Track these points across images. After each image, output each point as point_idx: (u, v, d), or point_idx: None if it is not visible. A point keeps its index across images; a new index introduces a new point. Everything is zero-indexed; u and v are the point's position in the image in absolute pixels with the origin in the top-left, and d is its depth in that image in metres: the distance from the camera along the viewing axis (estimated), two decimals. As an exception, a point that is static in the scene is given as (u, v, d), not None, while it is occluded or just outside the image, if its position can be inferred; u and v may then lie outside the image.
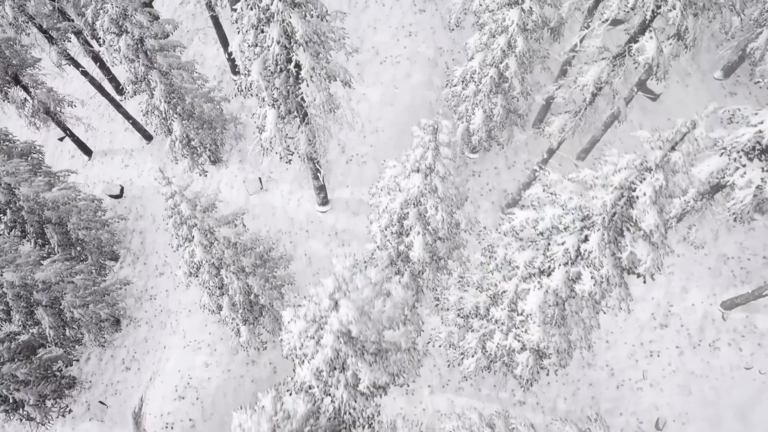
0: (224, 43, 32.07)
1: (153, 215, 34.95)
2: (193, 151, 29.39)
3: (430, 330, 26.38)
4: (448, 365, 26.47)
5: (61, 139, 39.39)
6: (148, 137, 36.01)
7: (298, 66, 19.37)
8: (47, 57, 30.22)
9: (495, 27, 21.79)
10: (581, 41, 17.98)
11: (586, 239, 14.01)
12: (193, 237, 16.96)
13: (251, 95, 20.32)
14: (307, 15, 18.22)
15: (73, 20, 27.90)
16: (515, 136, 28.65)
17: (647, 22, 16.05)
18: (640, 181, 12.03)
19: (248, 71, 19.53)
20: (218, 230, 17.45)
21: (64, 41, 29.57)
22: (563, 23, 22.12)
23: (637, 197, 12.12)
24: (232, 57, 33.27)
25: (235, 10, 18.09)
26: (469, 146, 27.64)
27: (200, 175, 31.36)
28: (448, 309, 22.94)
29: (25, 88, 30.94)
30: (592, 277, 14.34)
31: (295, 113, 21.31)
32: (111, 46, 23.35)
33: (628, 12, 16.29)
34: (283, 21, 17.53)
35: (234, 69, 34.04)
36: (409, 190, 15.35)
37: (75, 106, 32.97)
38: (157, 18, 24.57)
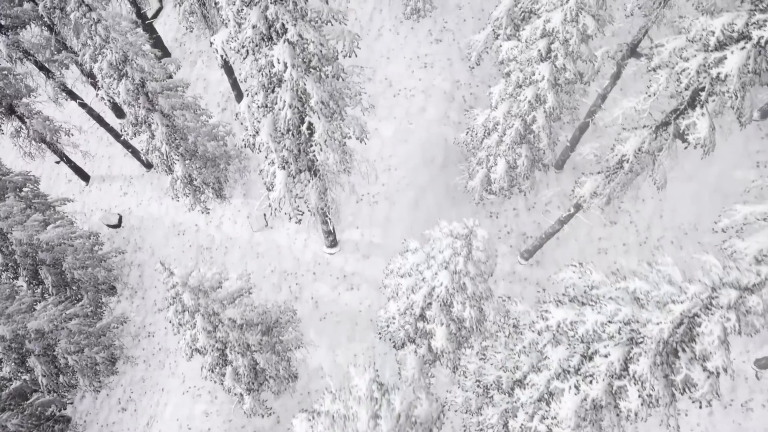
0: (229, 71, 30.49)
1: (152, 247, 33.44)
2: (196, 189, 27.84)
3: (445, 392, 24.92)
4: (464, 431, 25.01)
5: (58, 162, 37.79)
6: (148, 165, 34.49)
7: (310, 127, 17.81)
8: (44, 88, 28.52)
9: (522, 77, 20.18)
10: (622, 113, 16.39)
11: (634, 358, 12.49)
12: (196, 323, 15.51)
13: (259, 152, 18.77)
14: (322, 77, 16.64)
15: (74, 51, 26.20)
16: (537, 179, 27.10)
17: (702, 103, 14.45)
18: (707, 315, 10.50)
19: (257, 131, 17.97)
20: (223, 312, 15.98)
21: (63, 69, 27.96)
22: (597, 73, 20.50)
23: (702, 332, 10.59)
24: (237, 85, 31.75)
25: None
26: (487, 190, 26.08)
27: (202, 212, 29.83)
28: (466, 376, 21.48)
29: (20, 118, 29.41)
30: (639, 396, 12.85)
31: (306, 172, 19.76)
32: (110, 89, 21.77)
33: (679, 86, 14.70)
34: (297, 85, 15.95)
35: (239, 97, 32.43)
36: (434, 288, 13.82)
37: (72, 134, 31.44)
38: (159, 58, 22.99)
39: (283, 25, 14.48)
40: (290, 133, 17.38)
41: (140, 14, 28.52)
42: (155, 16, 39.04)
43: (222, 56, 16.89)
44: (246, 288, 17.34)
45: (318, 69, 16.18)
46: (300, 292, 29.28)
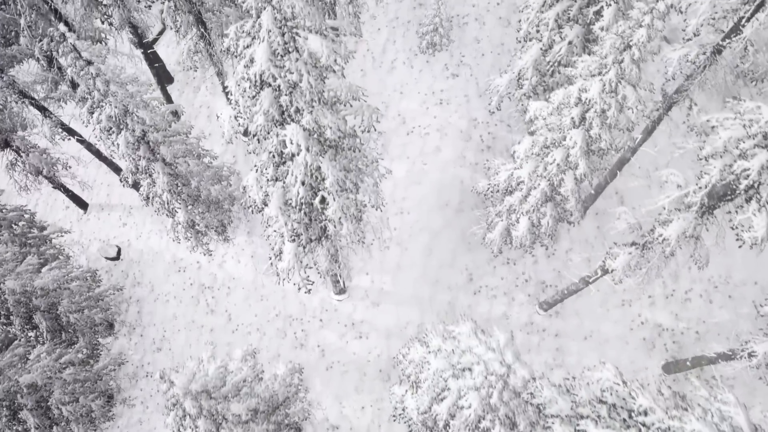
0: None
1: (152, 283, 32.11)
2: (198, 232, 26.47)
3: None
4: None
5: (55, 187, 36.39)
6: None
7: (324, 201, 16.39)
8: (40, 127, 27.09)
9: (551, 139, 18.74)
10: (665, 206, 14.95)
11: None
12: (198, 427, 14.16)
13: (268, 226, 17.40)
14: (338, 153, 15.23)
15: (74, 83, 24.67)
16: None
17: (760, 200, 13.01)
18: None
19: (265, 203, 16.57)
20: (227, 410, 14.65)
21: (61, 103, 26.52)
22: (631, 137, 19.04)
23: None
24: (243, 117, 30.25)
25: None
26: (507, 243, 24.66)
27: (204, 254, 28.46)
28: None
29: (17, 151, 28.04)
30: None
31: (317, 241, 18.36)
32: (108, 140, 20.38)
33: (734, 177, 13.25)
34: (310, 165, 14.53)
35: (246, 131, 30.94)
36: (460, 407, 12.45)
37: (70, 167, 30.06)
38: (161, 102, 21.57)
39: (298, 109, 13.05)
40: (302, 207, 15.99)
41: (142, 43, 27.00)
42: (158, 36, 37.53)
43: (231, 131, 15.47)
44: (251, 376, 15.98)
45: (334, 147, 14.76)
46: (305, 339, 27.94)
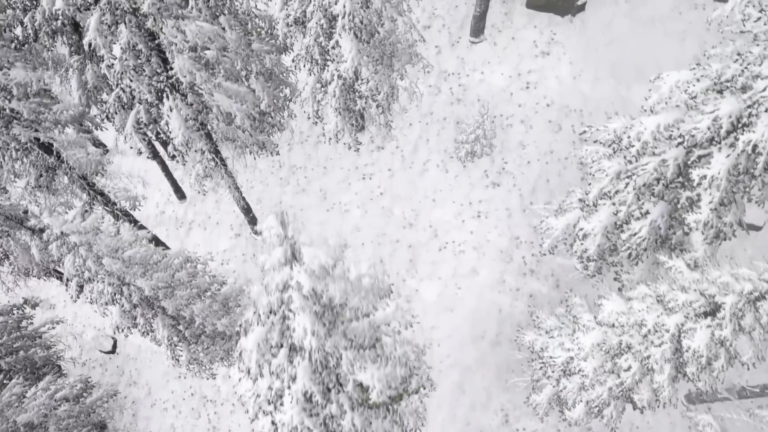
0: (246, 210, 26.05)
1: (149, 385, 29.29)
2: (201, 364, 23.61)
3: None
4: None
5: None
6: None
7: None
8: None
9: (626, 342, 15.70)
10: None
11: None
12: None
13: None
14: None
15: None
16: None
17: None
18: None
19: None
20: None
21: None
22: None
23: None
24: (251, 214, 27.23)
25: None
26: (556, 407, 21.67)
27: (208, 379, 25.59)
28: None
29: (5, 254, 25.11)
30: None
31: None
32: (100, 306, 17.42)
33: None
34: None
35: (255, 228, 27.97)
36: None
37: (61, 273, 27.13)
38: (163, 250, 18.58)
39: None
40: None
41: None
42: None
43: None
44: None
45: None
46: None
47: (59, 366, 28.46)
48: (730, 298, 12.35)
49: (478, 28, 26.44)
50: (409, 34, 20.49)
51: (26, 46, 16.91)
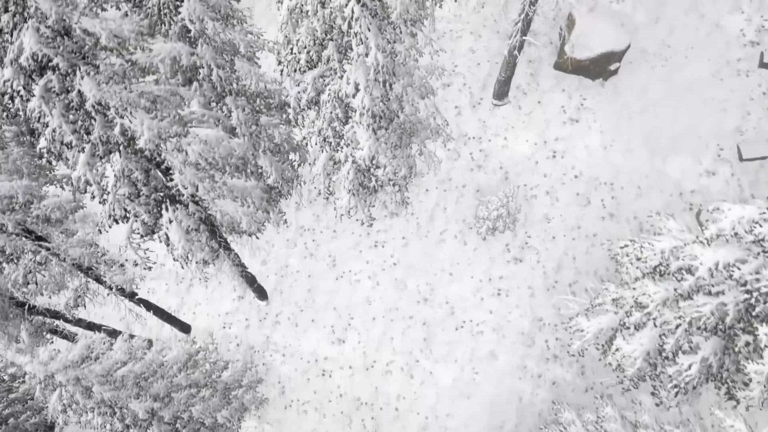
0: (250, 279, 24.45)
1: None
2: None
3: None
4: None
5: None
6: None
7: None
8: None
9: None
10: None
11: None
12: None
13: None
14: None
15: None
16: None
17: None
18: None
19: None
20: None
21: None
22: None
23: None
24: (256, 284, 25.60)
25: None
26: None
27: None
28: None
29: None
30: None
31: None
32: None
33: None
34: None
35: (262, 296, 26.37)
36: None
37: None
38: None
39: None
40: None
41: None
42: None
43: None
44: None
45: None
46: None
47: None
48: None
49: (502, 92, 24.67)
50: (432, 119, 18.75)
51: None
